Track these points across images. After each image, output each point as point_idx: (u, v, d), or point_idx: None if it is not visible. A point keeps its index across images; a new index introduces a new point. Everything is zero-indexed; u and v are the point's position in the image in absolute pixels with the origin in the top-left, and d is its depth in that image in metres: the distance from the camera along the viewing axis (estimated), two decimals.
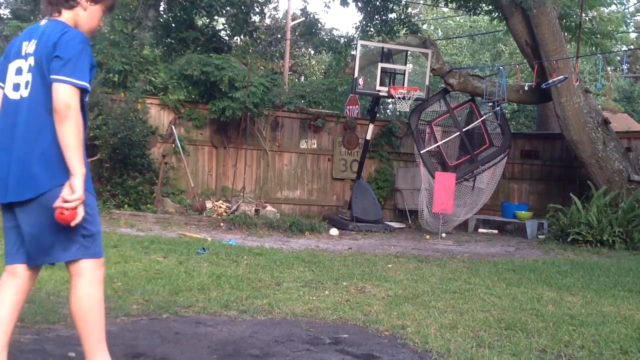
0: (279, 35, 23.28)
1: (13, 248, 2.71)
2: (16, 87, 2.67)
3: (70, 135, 2.50)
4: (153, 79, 12.49)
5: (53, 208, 2.51)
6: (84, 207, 2.55)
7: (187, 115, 12.07)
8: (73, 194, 2.48)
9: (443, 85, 12.26)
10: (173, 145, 11.72)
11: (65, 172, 2.54)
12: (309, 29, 16.94)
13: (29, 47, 2.68)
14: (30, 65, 2.64)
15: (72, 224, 2.52)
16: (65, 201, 2.49)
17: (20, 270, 2.70)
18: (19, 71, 2.68)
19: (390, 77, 11.31)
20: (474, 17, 18.79)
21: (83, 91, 2.59)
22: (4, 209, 2.71)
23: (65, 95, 2.51)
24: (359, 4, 14.68)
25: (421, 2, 21.00)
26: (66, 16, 2.74)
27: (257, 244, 8.14)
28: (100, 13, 2.85)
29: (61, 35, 2.60)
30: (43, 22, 2.75)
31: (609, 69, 24.17)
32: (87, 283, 2.64)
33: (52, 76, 2.54)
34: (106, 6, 2.85)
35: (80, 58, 2.57)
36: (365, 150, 11.96)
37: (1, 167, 2.63)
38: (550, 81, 10.92)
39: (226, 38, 16.51)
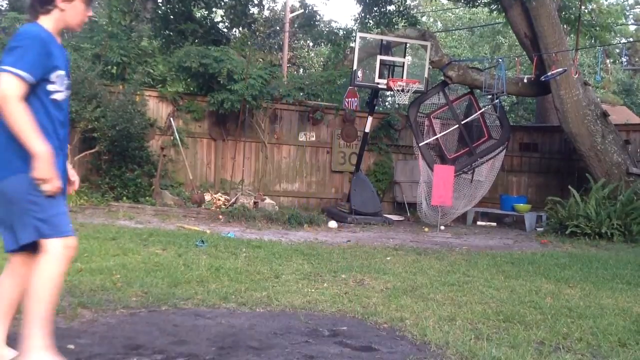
0: (278, 28, 23.18)
1: None
2: None
3: (15, 122, 2.56)
4: (151, 71, 12.43)
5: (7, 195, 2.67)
6: (32, 191, 2.64)
7: (186, 107, 12.03)
8: (37, 174, 2.59)
9: (442, 78, 12.23)
10: (172, 137, 11.69)
11: (20, 162, 2.63)
12: (307, 21, 16.91)
13: None
14: None
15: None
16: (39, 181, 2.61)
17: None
18: None
19: (389, 69, 11.28)
20: (473, 9, 18.74)
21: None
22: None
23: (2, 83, 2.55)
24: None
25: None
26: (48, 19, 2.78)
27: (255, 237, 8.14)
28: (82, 5, 2.86)
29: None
30: None
31: (608, 61, 24.09)
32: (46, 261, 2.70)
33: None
34: None
35: (27, 50, 2.61)
36: (364, 143, 11.94)
37: None
38: (549, 74, 10.90)
39: (225, 30, 16.46)
